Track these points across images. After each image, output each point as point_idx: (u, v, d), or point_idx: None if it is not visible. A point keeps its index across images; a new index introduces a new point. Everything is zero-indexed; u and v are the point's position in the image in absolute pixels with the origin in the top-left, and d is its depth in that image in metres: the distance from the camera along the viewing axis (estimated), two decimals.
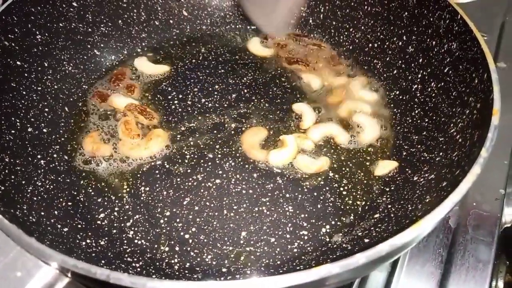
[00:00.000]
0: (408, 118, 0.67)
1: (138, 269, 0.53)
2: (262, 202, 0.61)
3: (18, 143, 0.60)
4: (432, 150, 0.59)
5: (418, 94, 0.67)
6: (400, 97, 0.71)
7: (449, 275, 0.58)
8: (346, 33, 0.80)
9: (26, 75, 0.66)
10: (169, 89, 0.77)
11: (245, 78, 0.78)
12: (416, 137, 0.64)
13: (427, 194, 0.53)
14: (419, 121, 0.65)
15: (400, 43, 0.72)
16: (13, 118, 0.62)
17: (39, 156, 0.62)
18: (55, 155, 0.65)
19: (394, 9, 0.72)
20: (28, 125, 0.64)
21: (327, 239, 0.57)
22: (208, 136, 0.69)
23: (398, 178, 0.61)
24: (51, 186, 0.60)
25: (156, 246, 0.56)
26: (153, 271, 0.53)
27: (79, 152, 0.67)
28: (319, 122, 0.70)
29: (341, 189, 0.62)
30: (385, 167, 0.63)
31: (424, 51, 0.67)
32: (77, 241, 0.53)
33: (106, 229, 0.58)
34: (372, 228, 0.55)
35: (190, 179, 0.63)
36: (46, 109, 0.68)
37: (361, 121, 0.70)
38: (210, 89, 0.77)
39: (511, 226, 0.65)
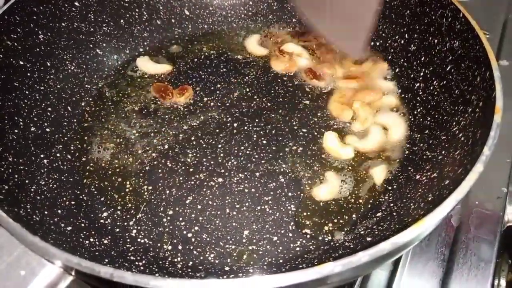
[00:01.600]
0: (410, 117, 0.67)
1: (141, 268, 0.53)
2: (264, 201, 0.61)
3: (22, 142, 0.61)
4: (434, 148, 0.59)
5: (421, 93, 0.67)
6: (402, 95, 0.71)
7: (451, 273, 0.58)
8: None
9: (29, 74, 0.66)
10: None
11: (247, 77, 0.78)
12: (418, 135, 0.64)
13: (429, 193, 0.53)
14: (421, 119, 0.65)
15: (402, 42, 0.72)
16: (16, 118, 0.62)
17: (42, 156, 0.62)
18: (58, 155, 0.65)
19: (396, 8, 0.72)
20: (31, 125, 0.64)
21: (330, 238, 0.57)
22: (210, 135, 0.69)
23: (401, 177, 0.61)
24: (55, 185, 0.60)
25: (159, 244, 0.57)
26: (156, 269, 0.53)
27: (81, 152, 0.67)
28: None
29: (344, 187, 0.62)
30: (381, 172, 0.63)
31: (426, 49, 0.67)
32: (81, 240, 0.53)
33: (109, 227, 0.58)
34: (374, 227, 0.55)
35: (193, 178, 0.64)
36: (49, 109, 0.68)
37: (385, 120, 0.68)
38: (212, 88, 0.77)
39: None
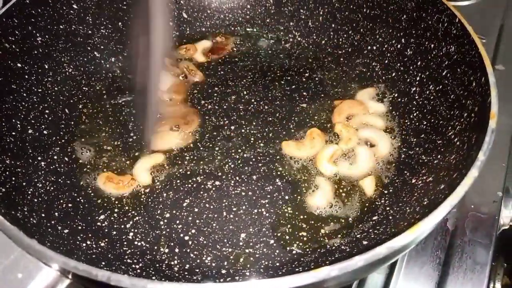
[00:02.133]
0: (406, 121, 0.68)
1: (138, 271, 0.53)
2: (261, 204, 0.61)
3: (19, 145, 0.61)
4: (430, 152, 0.59)
5: (417, 97, 0.67)
6: (399, 99, 0.71)
7: (447, 277, 0.58)
8: (345, 35, 0.81)
9: (26, 77, 0.66)
10: None
11: (244, 80, 0.78)
12: (414, 139, 0.64)
13: (425, 197, 0.53)
14: (417, 123, 0.66)
15: (399, 46, 0.72)
16: (13, 120, 0.62)
17: (39, 158, 0.62)
18: (55, 157, 0.65)
19: (393, 12, 0.73)
20: (29, 127, 0.64)
21: (326, 241, 0.57)
22: (207, 138, 0.69)
23: (397, 181, 0.62)
24: (52, 188, 0.60)
25: (156, 247, 0.57)
26: (153, 272, 0.53)
27: (78, 154, 0.67)
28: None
29: (340, 190, 0.62)
30: (369, 184, 0.62)
31: (423, 54, 0.67)
32: (78, 242, 0.53)
33: (106, 230, 0.58)
34: (370, 230, 0.56)
35: (190, 181, 0.64)
36: (47, 111, 0.68)
37: (371, 136, 0.67)
38: (209, 90, 0.77)
39: (508, 228, 0.65)
